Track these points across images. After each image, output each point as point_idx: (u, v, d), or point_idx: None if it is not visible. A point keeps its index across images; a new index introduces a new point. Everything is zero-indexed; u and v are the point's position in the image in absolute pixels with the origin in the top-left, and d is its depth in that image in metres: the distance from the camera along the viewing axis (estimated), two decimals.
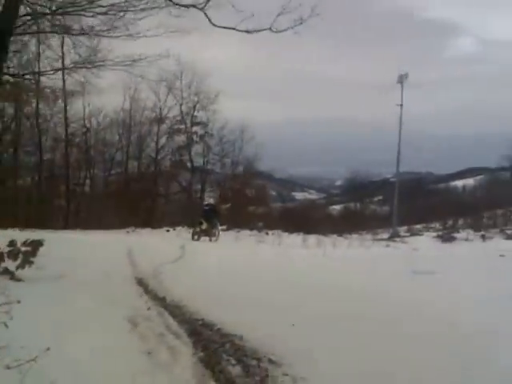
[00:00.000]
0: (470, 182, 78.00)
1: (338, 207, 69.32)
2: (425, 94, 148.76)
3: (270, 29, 9.57)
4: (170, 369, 4.65)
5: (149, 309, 6.88)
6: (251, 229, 29.15)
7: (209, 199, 24.73)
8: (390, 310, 7.52)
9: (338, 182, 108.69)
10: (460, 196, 63.32)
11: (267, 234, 28.05)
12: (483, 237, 29.94)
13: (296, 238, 25.29)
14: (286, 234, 28.29)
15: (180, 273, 10.51)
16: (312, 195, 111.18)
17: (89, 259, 10.98)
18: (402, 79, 35.25)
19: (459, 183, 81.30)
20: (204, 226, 22.24)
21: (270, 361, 5.00)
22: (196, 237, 22.11)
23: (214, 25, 9.82)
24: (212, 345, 5.46)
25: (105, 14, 10.75)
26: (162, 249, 16.32)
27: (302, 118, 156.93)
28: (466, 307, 8.11)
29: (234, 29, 9.73)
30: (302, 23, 9.55)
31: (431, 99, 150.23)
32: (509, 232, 32.01)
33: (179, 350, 5.16)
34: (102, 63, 13.83)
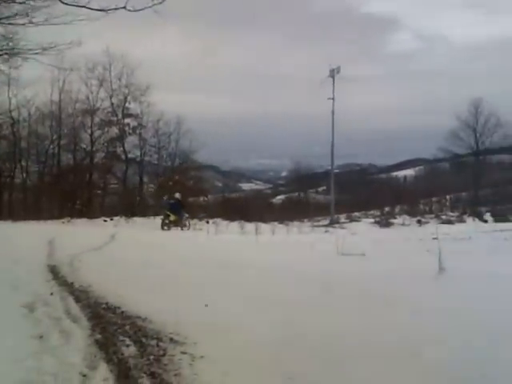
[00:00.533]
0: (410, 172, 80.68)
1: (283, 197, 70.16)
2: (370, 88, 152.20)
3: (125, 7, 8.99)
4: (60, 352, 4.36)
5: (51, 294, 6.50)
6: (192, 218, 28.80)
7: (175, 194, 25.76)
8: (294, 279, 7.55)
9: (284, 174, 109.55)
10: (400, 185, 65.28)
11: (207, 222, 27.85)
12: (419, 222, 31.12)
13: (235, 226, 25.18)
14: (227, 222, 28.14)
15: (99, 259, 10.13)
16: (259, 186, 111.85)
17: (3, 247, 10.37)
18: (333, 73, 35.60)
19: (400, 174, 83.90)
20: (172, 218, 24.24)
21: (172, 340, 4.81)
22: (166, 227, 23.91)
23: (62, 2, 9.24)
24: (111, 327, 5.18)
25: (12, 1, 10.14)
26: (91, 237, 15.75)
27: (249, 111, 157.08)
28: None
29: (84, 7, 9.04)
30: (161, 2, 8.96)
31: (376, 93, 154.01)
32: (444, 217, 33.40)
33: (74, 333, 4.88)
34: (10, 51, 12.95)
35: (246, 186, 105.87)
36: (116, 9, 9.01)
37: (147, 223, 26.97)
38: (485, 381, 3.95)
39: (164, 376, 3.92)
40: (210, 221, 28.27)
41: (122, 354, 4.38)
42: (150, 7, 8.88)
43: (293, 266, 9.62)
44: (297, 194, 61.81)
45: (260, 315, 5.75)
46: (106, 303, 6.19)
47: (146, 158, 38.85)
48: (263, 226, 26.44)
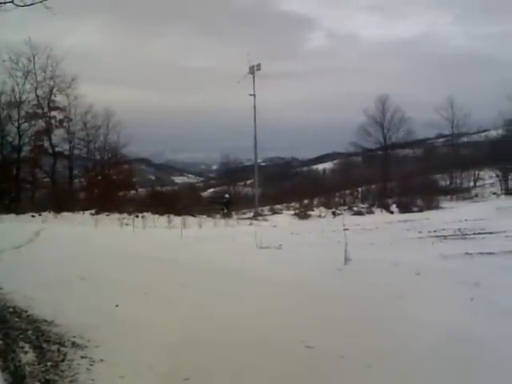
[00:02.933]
0: (329, 165, 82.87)
1: (214, 190, 69.71)
2: (291, 84, 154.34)
3: (12, 1, 8.32)
4: None
5: None
6: (121, 212, 27.96)
7: (226, 194, 34.11)
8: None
9: (214, 167, 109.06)
10: (319, 178, 66.87)
11: (137, 216, 27.13)
12: (334, 213, 32.12)
13: (164, 220, 24.73)
14: (156, 216, 27.57)
15: (16, 259, 9.51)
16: (191, 179, 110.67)
17: None
18: (252, 70, 35.48)
19: (320, 167, 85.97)
20: (226, 211, 30.95)
21: (74, 344, 4.57)
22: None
23: None
24: (14, 333, 4.86)
25: None
26: (14, 235, 14.79)
27: (180, 105, 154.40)
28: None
29: None
30: None
31: (296, 89, 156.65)
32: (355, 209, 34.67)
33: None
34: None
35: (178, 180, 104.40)
36: (4, 2, 8.21)
37: (76, 218, 25.86)
38: None
39: (59, 383, 3.73)
40: (139, 215, 27.55)
41: (20, 361, 4.13)
42: (40, 2, 8.18)
43: (209, 262, 9.54)
44: (226, 187, 61.69)
45: (169, 314, 5.65)
46: (14, 307, 5.81)
47: (75, 152, 37.08)
48: (191, 220, 26.23)
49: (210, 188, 77.87)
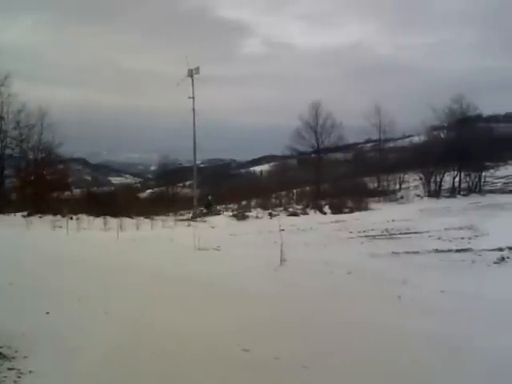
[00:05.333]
0: (266, 167, 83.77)
1: (152, 191, 68.21)
2: (230, 88, 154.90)
3: None
4: None
5: None
6: (55, 214, 26.58)
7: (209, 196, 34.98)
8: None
9: (153, 168, 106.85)
10: (257, 180, 67.41)
11: (71, 218, 25.90)
12: (270, 214, 32.36)
13: (99, 222, 23.78)
14: (92, 218, 26.45)
15: None
16: (128, 180, 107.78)
17: None
18: (191, 73, 35.02)
19: (257, 169, 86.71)
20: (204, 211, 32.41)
21: (0, 355, 4.22)
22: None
23: None
24: None
25: None
26: None
27: (118, 105, 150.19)
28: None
29: None
30: None
31: (234, 92, 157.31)
32: (291, 210, 35.18)
33: None
34: None
35: (115, 180, 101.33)
36: None
37: (7, 220, 24.25)
38: None
39: None
40: (74, 217, 26.32)
41: None
42: None
43: (145, 265, 9.26)
44: (165, 188, 60.57)
45: (102, 321, 5.39)
46: None
47: (7, 151, 34.81)
48: (128, 221, 25.44)
49: (148, 189, 76.15)
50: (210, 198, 36.05)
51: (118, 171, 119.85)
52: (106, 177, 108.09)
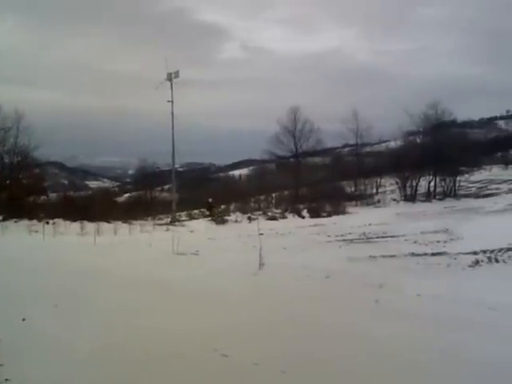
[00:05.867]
0: (244, 171, 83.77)
1: (130, 195, 67.41)
2: (209, 92, 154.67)
3: None
4: None
5: None
6: (30, 218, 26.02)
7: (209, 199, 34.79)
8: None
9: (131, 171, 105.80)
10: (236, 184, 67.25)
11: (47, 223, 25.39)
12: (249, 218, 32.36)
13: (76, 227, 23.38)
14: (68, 222, 25.98)
15: None
16: (106, 184, 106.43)
17: None
18: (170, 77, 34.74)
19: (236, 173, 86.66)
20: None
21: None
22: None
23: None
24: None
25: None
26: None
27: (96, 108, 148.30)
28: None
29: None
30: None
31: (213, 96, 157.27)
32: (270, 214, 35.23)
33: None
34: None
35: (93, 184, 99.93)
36: None
37: None
38: None
39: None
40: (51, 221, 25.81)
41: None
42: None
43: (121, 270, 9.12)
44: (143, 192, 59.92)
45: (79, 328, 5.28)
46: None
47: None
48: (106, 226, 25.08)
49: (126, 193, 75.28)
50: (210, 200, 36.30)
51: (96, 175, 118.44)
52: (83, 181, 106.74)
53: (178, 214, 34.44)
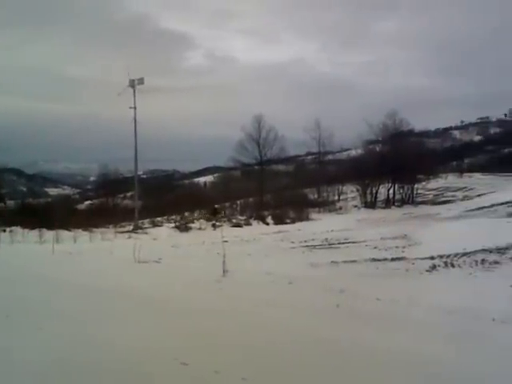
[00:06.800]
0: (210, 178, 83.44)
1: (91, 202, 65.86)
2: (173, 100, 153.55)
3: None
4: None
5: None
6: None
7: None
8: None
9: (92, 178, 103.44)
10: (200, 191, 66.86)
11: (4, 231, 24.46)
12: (214, 225, 32.17)
13: (35, 235, 22.60)
14: (27, 230, 25.09)
15: None
16: (66, 191, 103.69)
17: None
18: (133, 84, 34.24)
19: (201, 180, 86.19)
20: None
21: None
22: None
23: None
24: None
25: None
26: None
27: (56, 114, 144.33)
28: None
29: None
30: None
31: (178, 104, 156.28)
32: (234, 221, 35.15)
33: None
34: None
35: (52, 191, 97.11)
36: None
37: None
38: None
39: None
40: (8, 229, 24.85)
41: None
42: None
43: (83, 279, 8.84)
44: (105, 199, 58.58)
45: (32, 339, 5.04)
46: None
47: None
48: (66, 234, 24.38)
49: (87, 200, 73.52)
50: (216, 206, 39.24)
51: (56, 182, 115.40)
52: (43, 188, 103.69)
53: (140, 221, 33.83)
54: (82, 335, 5.10)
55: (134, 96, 34.50)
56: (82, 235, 25.06)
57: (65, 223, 28.96)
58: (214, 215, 36.36)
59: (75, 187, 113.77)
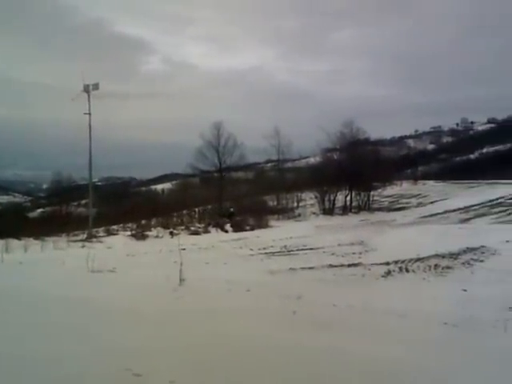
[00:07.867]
0: (167, 186, 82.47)
1: (44, 210, 63.74)
2: (129, 105, 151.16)
3: None
4: None
5: None
6: None
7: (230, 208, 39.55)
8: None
9: (45, 186, 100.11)
10: (158, 198, 65.94)
11: None
12: (171, 233, 31.74)
13: None
14: None
15: None
16: (17, 199, 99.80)
17: None
18: (88, 89, 33.50)
19: (159, 187, 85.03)
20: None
21: None
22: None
23: None
24: None
25: None
26: None
27: (6, 118, 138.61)
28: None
29: None
30: None
31: (134, 109, 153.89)
32: (192, 228, 34.83)
33: None
34: None
35: (2, 199, 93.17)
36: None
37: None
38: None
39: None
40: None
41: None
42: None
43: (33, 289, 8.50)
44: (58, 207, 56.79)
45: None
46: None
47: None
48: (16, 243, 23.41)
49: (38, 208, 71.08)
50: (231, 209, 40.72)
51: (6, 189, 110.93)
52: None
53: (95, 229, 32.95)
54: (30, 346, 4.91)
55: (89, 101, 33.76)
56: (34, 244, 24.14)
57: (15, 232, 27.85)
58: (229, 217, 37.84)
59: (27, 195, 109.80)
